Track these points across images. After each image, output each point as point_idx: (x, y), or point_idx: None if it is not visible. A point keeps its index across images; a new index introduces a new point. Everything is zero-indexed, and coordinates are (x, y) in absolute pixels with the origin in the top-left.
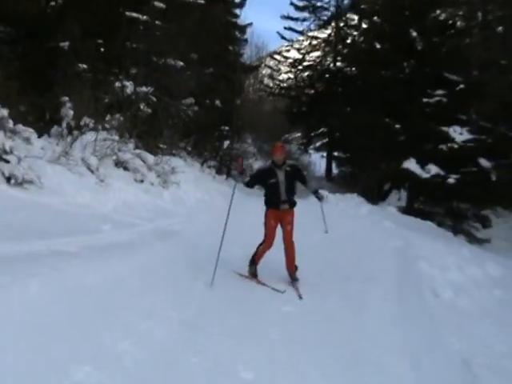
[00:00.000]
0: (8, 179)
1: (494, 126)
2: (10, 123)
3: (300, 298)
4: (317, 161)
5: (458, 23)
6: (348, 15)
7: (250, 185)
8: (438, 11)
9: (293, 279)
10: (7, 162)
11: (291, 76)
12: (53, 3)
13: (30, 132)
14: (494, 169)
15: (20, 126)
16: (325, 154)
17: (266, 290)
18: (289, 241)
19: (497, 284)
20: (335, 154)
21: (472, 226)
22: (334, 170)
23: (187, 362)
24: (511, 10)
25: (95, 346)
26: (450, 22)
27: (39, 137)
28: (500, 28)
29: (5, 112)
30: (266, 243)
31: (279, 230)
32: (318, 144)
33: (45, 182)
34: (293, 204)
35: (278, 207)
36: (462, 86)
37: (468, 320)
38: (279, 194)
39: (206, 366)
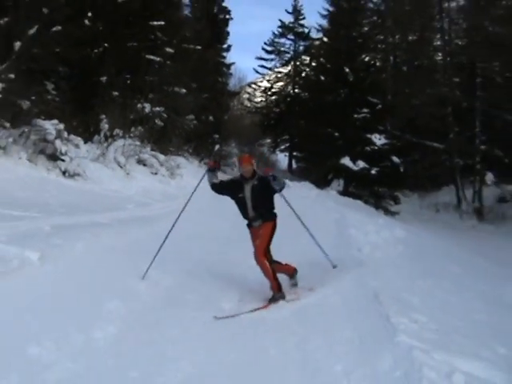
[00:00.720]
0: (63, 173)
1: (401, 134)
2: (65, 134)
3: (251, 310)
4: (281, 159)
5: (377, 63)
6: (303, 57)
7: (215, 188)
8: (363, 55)
9: (270, 298)
10: (63, 160)
11: (263, 99)
12: (95, 50)
13: (78, 140)
14: (401, 164)
15: (72, 136)
16: (287, 154)
17: (243, 249)
18: (256, 257)
19: (400, 242)
20: (294, 153)
21: (388, 203)
22: (294, 165)
23: (185, 298)
24: (412, 56)
25: (122, 287)
26: (372, 62)
27: (85, 143)
28: (405, 68)
29: (61, 126)
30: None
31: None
32: (282, 147)
33: (88, 174)
34: (267, 218)
35: (251, 225)
36: (380, 106)
37: (380, 267)
38: (247, 210)
39: (199, 300)
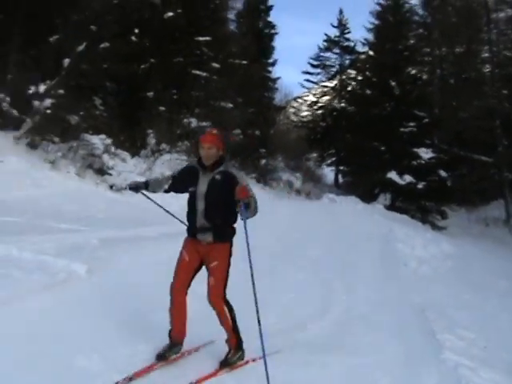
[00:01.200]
0: (111, 187)
1: (449, 148)
2: (113, 149)
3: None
4: (328, 173)
5: (424, 76)
6: (348, 70)
7: (169, 189)
8: (410, 68)
9: (222, 360)
10: (110, 174)
11: (309, 113)
12: (142, 66)
13: (125, 154)
14: (449, 178)
15: (119, 150)
16: (333, 168)
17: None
18: (213, 300)
19: (449, 257)
20: (341, 167)
21: (435, 218)
22: (340, 180)
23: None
24: (459, 68)
25: (166, 299)
26: (418, 75)
27: (132, 157)
28: (452, 80)
29: (109, 141)
30: (172, 284)
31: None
32: (328, 161)
33: None
34: (221, 235)
35: (195, 235)
36: (426, 120)
37: (426, 282)
38: (195, 215)
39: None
